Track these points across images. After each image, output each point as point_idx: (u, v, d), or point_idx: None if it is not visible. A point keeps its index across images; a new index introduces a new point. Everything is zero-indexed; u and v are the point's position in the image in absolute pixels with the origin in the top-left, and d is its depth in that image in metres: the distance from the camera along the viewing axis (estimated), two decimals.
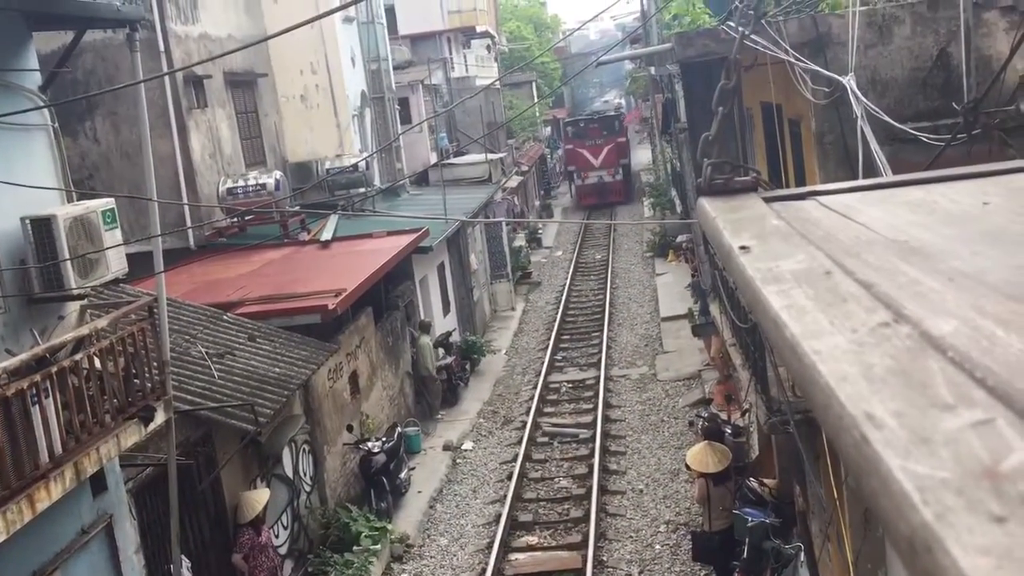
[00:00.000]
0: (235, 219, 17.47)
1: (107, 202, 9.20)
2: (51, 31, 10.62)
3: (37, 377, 7.19)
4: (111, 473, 9.15)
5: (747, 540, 10.32)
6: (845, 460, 0.96)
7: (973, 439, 0.88)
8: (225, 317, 13.32)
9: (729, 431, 13.24)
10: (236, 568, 11.14)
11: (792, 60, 7.45)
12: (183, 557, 9.92)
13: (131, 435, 8.30)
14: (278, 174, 18.59)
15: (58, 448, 7.41)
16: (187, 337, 12.11)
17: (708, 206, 2.36)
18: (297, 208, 19.33)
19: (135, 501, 9.75)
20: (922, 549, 0.76)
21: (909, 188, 2.24)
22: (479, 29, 40.91)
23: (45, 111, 9.07)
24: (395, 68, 28.64)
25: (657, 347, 22.62)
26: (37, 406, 7.18)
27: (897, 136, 6.96)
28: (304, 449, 13.64)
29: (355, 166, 19.97)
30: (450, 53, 37.88)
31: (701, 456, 11.75)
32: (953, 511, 0.79)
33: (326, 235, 18.91)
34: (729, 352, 12.44)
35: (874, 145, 6.60)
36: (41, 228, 8.45)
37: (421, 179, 28.45)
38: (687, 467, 12.89)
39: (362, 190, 20.80)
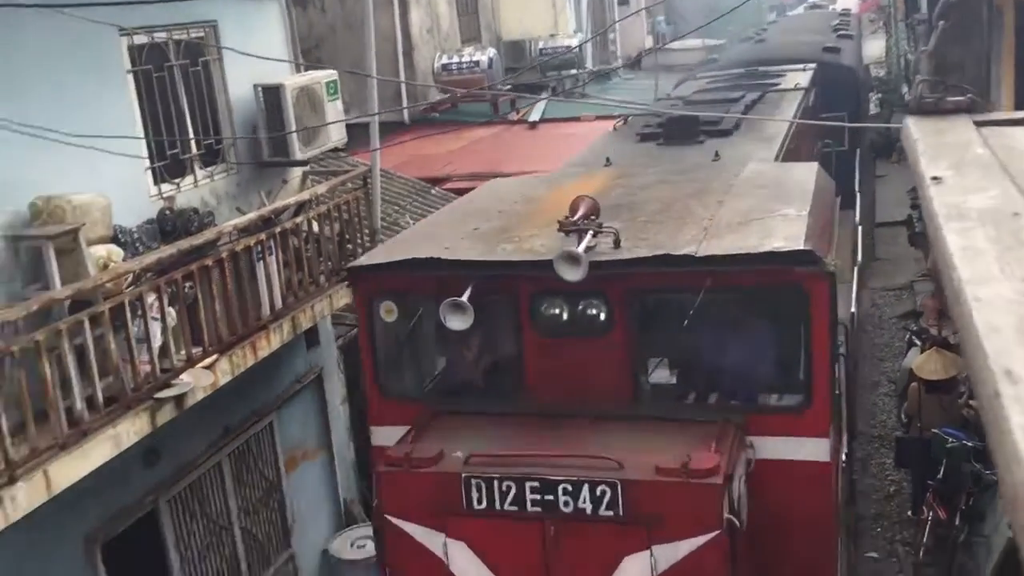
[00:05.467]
0: (447, 95, 17.85)
1: (330, 74, 9.67)
2: None
3: (263, 235, 7.84)
4: (323, 330, 9.89)
5: (944, 461, 9.86)
6: (981, 411, 0.98)
7: None
8: (433, 191, 13.82)
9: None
10: None
11: None
12: None
13: (342, 296, 8.93)
14: (492, 52, 18.75)
15: (278, 303, 8.10)
16: (397, 208, 12.68)
17: (913, 127, 2.28)
18: (508, 90, 19.49)
19: (343, 357, 10.50)
20: (1023, 505, 0.79)
21: None
22: None
23: None
24: None
25: (868, 254, 21.56)
26: (262, 262, 7.84)
27: None
28: None
29: (568, 47, 19.81)
30: None
31: (922, 361, 11.07)
32: None
33: (535, 116, 19.01)
34: None
35: None
36: (271, 96, 9.03)
37: (635, 63, 27.84)
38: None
39: (573, 72, 20.66)
